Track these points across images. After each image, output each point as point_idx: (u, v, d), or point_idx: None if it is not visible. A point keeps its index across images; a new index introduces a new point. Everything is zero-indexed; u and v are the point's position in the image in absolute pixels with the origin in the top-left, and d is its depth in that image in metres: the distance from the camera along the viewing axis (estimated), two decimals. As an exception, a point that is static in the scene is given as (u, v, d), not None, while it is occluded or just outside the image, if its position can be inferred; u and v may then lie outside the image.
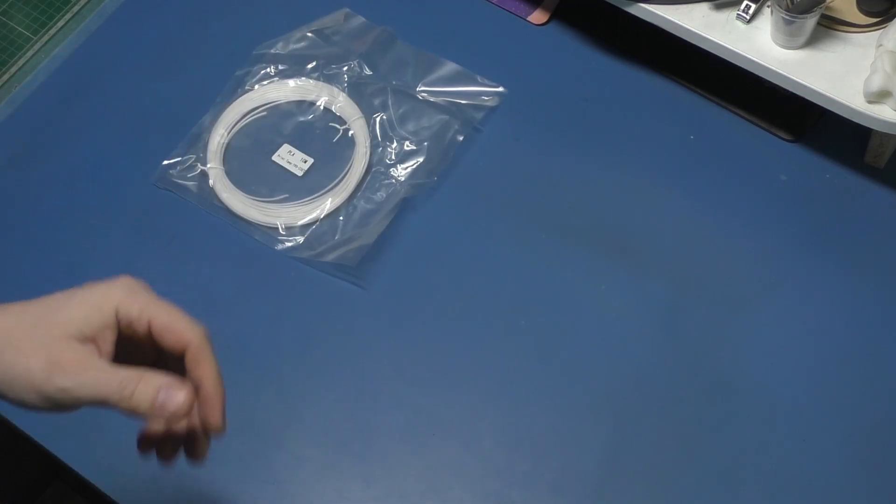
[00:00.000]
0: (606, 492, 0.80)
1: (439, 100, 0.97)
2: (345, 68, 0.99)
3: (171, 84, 1.00)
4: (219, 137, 0.95)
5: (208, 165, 0.94)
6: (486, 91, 0.97)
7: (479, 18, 1.02)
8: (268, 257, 0.90)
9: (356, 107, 0.97)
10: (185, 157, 0.95)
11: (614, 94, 0.98)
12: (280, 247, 0.90)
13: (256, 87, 0.98)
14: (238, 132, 0.97)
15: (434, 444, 0.82)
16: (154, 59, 1.02)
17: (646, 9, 0.89)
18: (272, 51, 1.00)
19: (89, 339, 0.55)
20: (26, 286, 0.90)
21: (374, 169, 0.94)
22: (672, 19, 0.88)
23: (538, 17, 1.02)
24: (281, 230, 0.91)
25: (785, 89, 0.86)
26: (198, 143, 0.95)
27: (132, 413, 0.54)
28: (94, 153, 0.97)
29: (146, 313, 0.56)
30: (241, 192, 0.93)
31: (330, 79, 0.98)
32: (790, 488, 0.79)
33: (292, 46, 1.00)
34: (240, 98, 0.97)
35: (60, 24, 1.06)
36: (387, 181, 0.93)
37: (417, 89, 0.98)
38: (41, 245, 0.92)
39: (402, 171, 0.93)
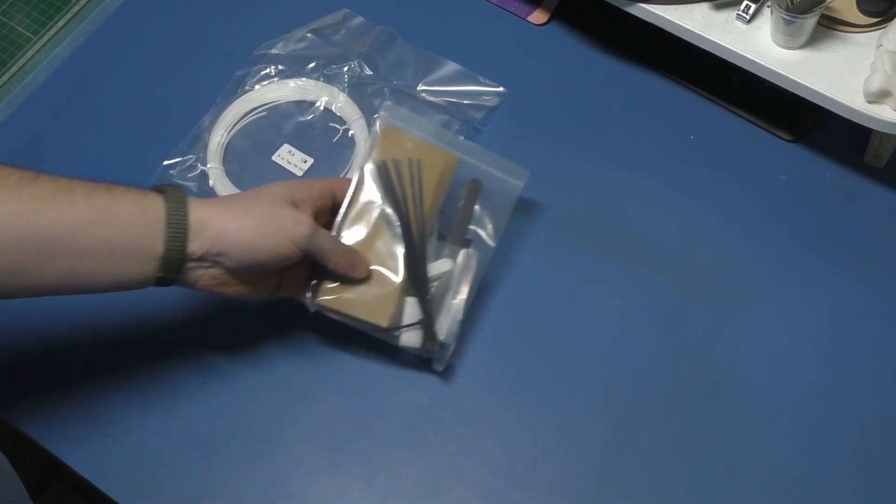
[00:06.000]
0: (606, 492, 0.80)
1: (439, 100, 0.97)
2: (345, 68, 0.99)
3: (172, 84, 1.00)
4: (219, 137, 0.95)
5: (208, 165, 0.94)
6: (487, 91, 0.97)
7: (479, 18, 1.02)
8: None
9: (356, 107, 0.97)
10: (185, 158, 0.95)
11: (614, 94, 0.98)
12: None
13: (256, 87, 0.98)
14: (238, 132, 0.97)
15: (434, 444, 0.82)
16: (154, 59, 1.02)
17: (646, 9, 0.89)
18: (272, 51, 1.00)
19: (297, 206, 0.75)
20: (26, 286, 0.90)
21: None
22: (672, 19, 0.88)
23: (538, 17, 1.02)
24: None
25: (785, 89, 0.86)
26: (198, 143, 0.95)
27: (332, 268, 0.77)
28: (94, 153, 0.97)
29: (328, 187, 0.80)
30: (241, 192, 0.93)
31: (330, 79, 0.98)
32: (790, 488, 0.79)
33: (292, 47, 1.00)
34: (240, 98, 0.97)
35: (60, 24, 1.06)
36: None
37: (418, 89, 0.98)
38: (41, 245, 0.92)
39: None
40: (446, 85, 0.98)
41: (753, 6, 0.86)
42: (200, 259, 0.72)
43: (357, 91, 0.98)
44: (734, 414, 0.82)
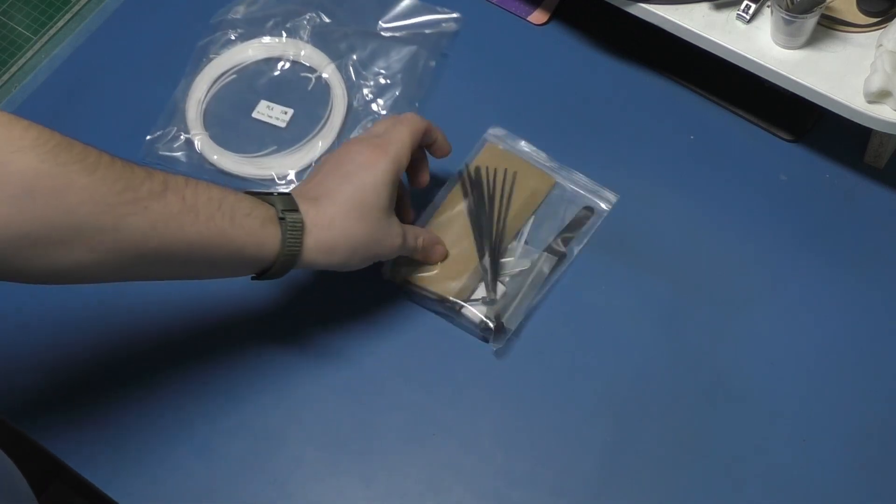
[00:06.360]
0: (606, 492, 0.80)
1: (403, 34, 1.00)
2: (304, 21, 1.00)
3: (172, 84, 1.00)
4: (195, 105, 0.96)
5: (192, 133, 0.95)
6: (444, 18, 1.00)
7: (479, 18, 1.02)
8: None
9: (323, 54, 0.99)
10: (166, 130, 0.96)
11: (614, 94, 0.98)
12: None
13: (222, 52, 0.99)
14: (213, 97, 0.98)
15: (434, 444, 0.82)
16: (154, 59, 1.02)
17: (646, 9, 0.89)
18: (229, 16, 1.01)
19: (392, 207, 0.80)
20: (26, 286, 0.90)
21: (355, 107, 0.97)
22: (672, 19, 0.88)
23: (538, 17, 1.02)
24: (277, 179, 0.93)
25: (785, 89, 0.86)
26: (175, 115, 0.96)
27: (412, 258, 0.84)
28: (94, 153, 0.97)
29: (410, 154, 0.81)
30: (230, 152, 0.95)
31: (292, 32, 1.00)
32: (790, 488, 0.79)
33: (248, 9, 1.02)
34: (208, 65, 0.99)
35: (60, 24, 1.06)
36: (370, 116, 0.96)
37: (379, 28, 1.00)
38: (41, 245, 0.92)
39: (382, 105, 0.96)
40: (405, 19, 1.01)
41: (753, 6, 0.86)
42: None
43: (321, 39, 1.00)
44: (734, 414, 0.82)
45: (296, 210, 0.74)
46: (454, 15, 1.01)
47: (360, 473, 0.81)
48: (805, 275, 0.88)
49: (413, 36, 1.00)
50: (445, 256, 0.86)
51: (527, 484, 0.80)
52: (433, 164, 0.92)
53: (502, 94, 0.98)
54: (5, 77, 1.03)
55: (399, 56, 0.98)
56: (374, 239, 0.77)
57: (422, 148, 0.85)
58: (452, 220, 0.88)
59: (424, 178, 0.86)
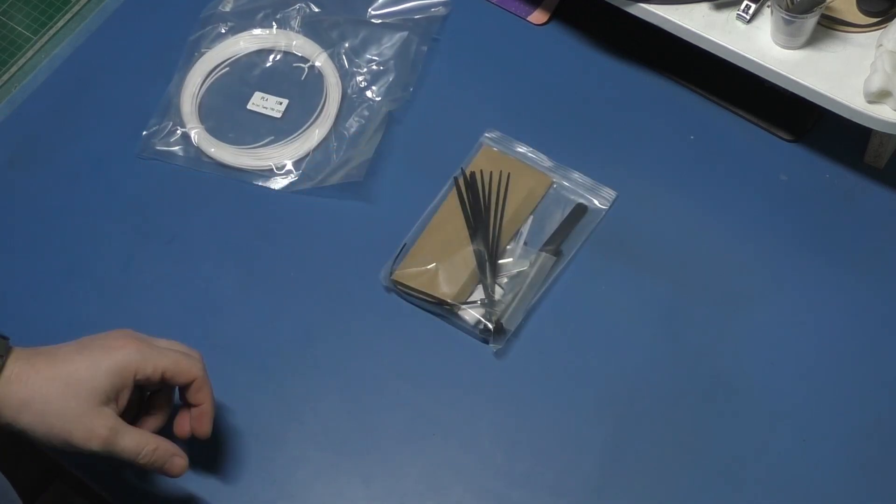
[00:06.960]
0: (606, 492, 0.80)
1: (393, 20, 1.00)
2: (294, 11, 1.01)
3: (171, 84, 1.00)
4: (190, 99, 0.97)
5: (188, 127, 0.96)
6: (433, 2, 1.01)
7: (479, 18, 1.02)
8: (271, 199, 0.92)
9: (315, 44, 1.00)
10: (162, 125, 0.96)
11: (614, 94, 0.98)
12: (278, 185, 0.93)
13: (214, 46, 1.00)
14: (207, 91, 0.98)
15: (434, 444, 0.82)
16: (154, 58, 1.02)
17: (646, 9, 0.89)
18: (219, 9, 1.02)
19: (112, 400, 0.70)
20: (27, 286, 0.90)
21: (349, 95, 0.97)
22: (672, 19, 0.88)
23: (538, 17, 1.02)
24: (275, 169, 0.93)
25: (785, 89, 0.86)
26: (170, 110, 0.97)
27: (140, 467, 0.72)
28: (94, 153, 0.97)
29: (159, 369, 0.71)
30: (227, 144, 0.95)
31: (282, 23, 1.01)
32: (790, 488, 0.79)
33: (238, 2, 1.02)
34: (200, 59, 0.99)
35: (60, 24, 1.06)
36: (365, 103, 0.96)
37: (368, 15, 1.01)
38: (41, 245, 0.92)
39: (376, 92, 0.97)
40: (394, 6, 1.02)
41: (753, 6, 0.86)
42: None
43: (311, 29, 1.00)
44: (734, 414, 0.82)
45: None
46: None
47: (360, 473, 0.81)
48: (805, 275, 0.88)
49: (403, 22, 1.00)
50: (185, 468, 0.74)
51: (527, 484, 0.80)
52: (430, 165, 0.92)
53: (502, 94, 0.98)
54: (5, 77, 1.03)
55: (391, 42, 0.99)
56: (68, 418, 0.68)
57: (188, 399, 0.75)
58: (449, 223, 0.89)
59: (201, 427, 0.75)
